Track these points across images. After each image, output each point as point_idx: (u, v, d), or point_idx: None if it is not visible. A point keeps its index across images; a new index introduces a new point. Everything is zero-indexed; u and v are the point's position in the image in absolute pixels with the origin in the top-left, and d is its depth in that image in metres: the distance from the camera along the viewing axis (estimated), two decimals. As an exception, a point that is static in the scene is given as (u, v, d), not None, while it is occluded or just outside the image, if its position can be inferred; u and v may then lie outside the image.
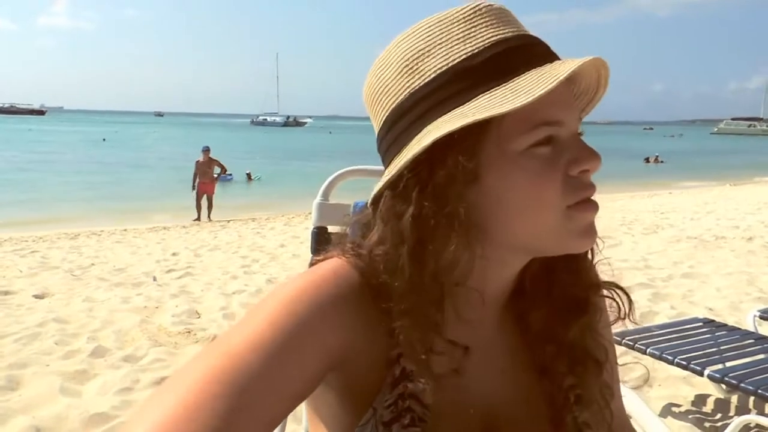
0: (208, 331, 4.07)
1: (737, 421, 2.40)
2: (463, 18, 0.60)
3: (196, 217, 11.52)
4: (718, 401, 3.00)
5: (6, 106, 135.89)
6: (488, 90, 0.56)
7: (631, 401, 1.26)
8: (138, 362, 3.54)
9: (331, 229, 1.30)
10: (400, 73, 0.61)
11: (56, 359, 3.55)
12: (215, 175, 12.09)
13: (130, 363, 3.52)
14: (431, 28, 0.60)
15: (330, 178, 1.37)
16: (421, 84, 0.59)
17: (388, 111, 0.62)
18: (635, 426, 0.83)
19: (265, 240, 8.16)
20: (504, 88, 0.56)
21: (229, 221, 10.90)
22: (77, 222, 10.86)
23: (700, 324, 3.19)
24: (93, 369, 3.42)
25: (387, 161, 0.63)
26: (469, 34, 0.59)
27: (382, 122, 0.63)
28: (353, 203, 1.20)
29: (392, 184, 0.59)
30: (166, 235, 8.93)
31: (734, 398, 3.00)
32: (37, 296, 5.01)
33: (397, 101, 0.61)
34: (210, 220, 11.42)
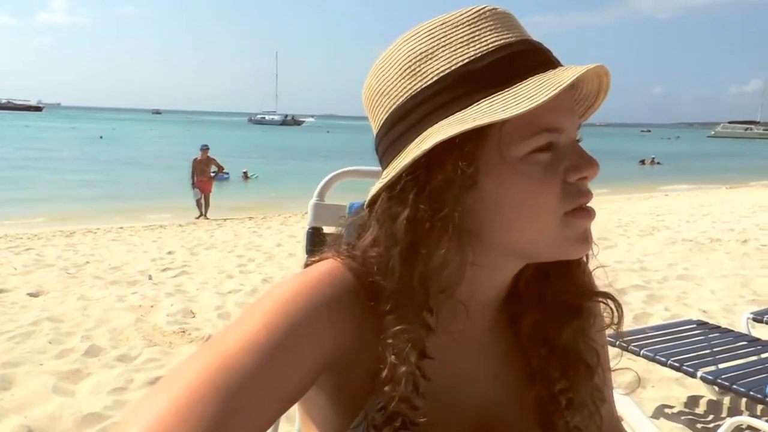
0: (203, 331, 4.07)
1: (729, 423, 2.41)
2: (467, 21, 0.60)
3: (198, 214, 11.52)
4: (710, 402, 3.01)
5: (2, 102, 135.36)
6: (490, 95, 0.56)
7: (623, 404, 1.27)
8: (132, 362, 3.53)
9: (326, 229, 1.31)
10: (401, 74, 0.60)
11: (50, 358, 3.54)
12: (212, 174, 12.11)
13: (125, 362, 3.51)
14: (434, 30, 0.60)
15: (326, 179, 1.37)
16: (422, 87, 0.59)
17: (388, 112, 0.62)
18: (627, 429, 0.84)
19: (261, 239, 8.15)
20: (506, 93, 0.55)
21: (225, 220, 10.89)
22: (73, 220, 10.83)
23: (694, 326, 3.20)
24: (87, 368, 3.42)
25: (385, 163, 0.63)
26: (472, 37, 0.59)
27: (381, 123, 0.63)
28: (349, 204, 1.20)
29: (389, 186, 0.59)
30: (162, 234, 8.92)
31: (726, 399, 3.01)
32: (31, 294, 4.99)
33: (398, 103, 0.60)
34: (207, 218, 11.42)
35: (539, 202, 0.58)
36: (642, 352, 2.77)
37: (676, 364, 2.65)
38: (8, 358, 3.48)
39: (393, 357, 0.58)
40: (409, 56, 0.60)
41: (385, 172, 0.61)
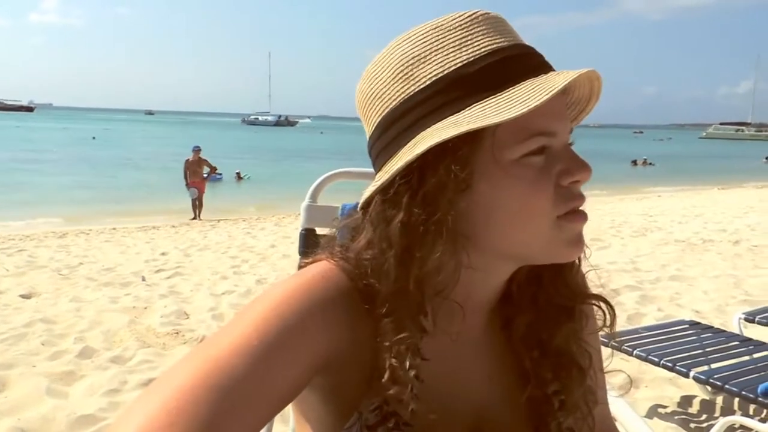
0: (196, 332, 4.05)
1: (722, 422, 2.42)
2: (460, 25, 0.60)
3: (192, 216, 11.50)
4: (703, 402, 3.03)
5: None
6: (483, 99, 0.56)
7: (616, 404, 1.27)
8: (126, 363, 3.52)
9: (319, 231, 1.31)
10: (394, 78, 0.60)
11: (43, 360, 3.53)
12: (204, 175, 12.09)
13: (118, 364, 3.50)
14: (427, 34, 0.60)
15: (318, 180, 1.38)
16: (415, 90, 0.59)
17: (381, 116, 0.62)
18: (621, 429, 0.84)
19: (255, 240, 8.14)
20: (499, 97, 0.56)
21: (219, 221, 10.86)
22: (65, 221, 10.78)
23: (687, 326, 3.22)
24: (80, 370, 3.40)
25: (378, 165, 0.63)
26: (464, 42, 0.59)
27: (374, 127, 0.63)
28: (341, 205, 1.20)
29: (383, 190, 0.59)
30: (155, 235, 8.89)
31: (719, 399, 3.03)
32: (23, 296, 4.97)
33: (391, 106, 0.61)
34: (200, 219, 11.42)
35: (532, 206, 0.58)
36: (635, 352, 2.78)
37: (669, 364, 2.66)
38: (1, 359, 3.46)
39: (390, 359, 0.58)
40: (402, 60, 0.60)
41: (378, 175, 0.62)
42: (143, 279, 5.65)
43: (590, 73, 0.59)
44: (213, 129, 79.88)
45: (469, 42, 0.59)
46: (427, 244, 0.57)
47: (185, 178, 11.74)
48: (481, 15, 0.61)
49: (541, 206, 0.59)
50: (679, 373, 2.64)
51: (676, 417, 2.88)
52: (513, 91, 0.56)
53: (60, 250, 7.30)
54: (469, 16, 0.60)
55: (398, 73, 0.60)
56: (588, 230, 0.63)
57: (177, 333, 4.05)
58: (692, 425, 2.82)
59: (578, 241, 0.61)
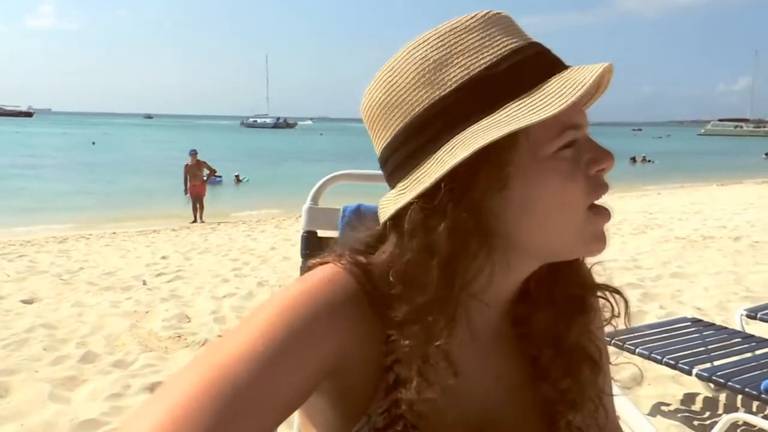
0: (198, 336, 4.05)
1: (725, 419, 2.42)
2: (476, 27, 0.60)
3: (192, 219, 11.53)
4: (706, 400, 3.03)
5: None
6: (516, 98, 0.57)
7: (619, 402, 1.27)
8: (128, 368, 3.52)
9: (320, 233, 1.31)
10: (415, 84, 0.59)
11: (45, 365, 3.53)
12: (204, 178, 12.13)
13: (120, 368, 3.50)
14: (444, 37, 0.60)
15: (319, 183, 1.38)
16: (441, 95, 0.58)
17: (402, 123, 0.60)
18: (623, 427, 0.84)
19: (255, 243, 8.14)
20: (533, 95, 0.56)
21: (219, 224, 10.86)
22: (65, 226, 10.78)
23: (688, 323, 3.22)
24: (82, 375, 3.40)
25: (400, 175, 0.61)
26: (484, 43, 0.59)
27: (393, 135, 0.61)
28: (342, 208, 1.21)
29: (423, 197, 0.57)
30: (155, 238, 8.89)
31: (722, 396, 3.03)
32: (25, 301, 4.97)
33: (414, 113, 0.59)
34: (202, 221, 11.47)
35: (569, 197, 0.59)
36: (637, 350, 2.78)
37: (672, 362, 2.67)
38: (3, 365, 3.46)
39: (398, 361, 0.58)
40: (422, 64, 0.59)
41: (404, 184, 0.60)
42: (144, 283, 5.65)
43: (608, 66, 0.60)
44: (212, 132, 79.87)
45: (488, 43, 0.59)
46: (472, 249, 0.57)
47: (185, 183, 11.80)
48: (494, 15, 0.61)
49: (576, 197, 0.60)
50: (682, 370, 2.64)
51: (679, 415, 2.88)
52: (545, 88, 0.57)
53: (60, 255, 7.30)
54: (482, 17, 0.61)
55: (419, 78, 0.59)
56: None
57: (179, 337, 4.05)
58: (695, 423, 2.81)
59: (603, 237, 0.63)
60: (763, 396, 2.34)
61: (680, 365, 2.63)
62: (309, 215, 1.32)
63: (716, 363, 2.67)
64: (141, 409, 0.49)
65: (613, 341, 2.83)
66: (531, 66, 0.58)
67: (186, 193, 11.81)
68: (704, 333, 3.06)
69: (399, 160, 0.61)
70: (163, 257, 7.08)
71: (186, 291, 5.33)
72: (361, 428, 0.60)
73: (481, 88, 0.57)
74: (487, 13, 0.61)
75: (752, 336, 3.07)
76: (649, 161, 30.83)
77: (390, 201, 0.61)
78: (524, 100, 0.56)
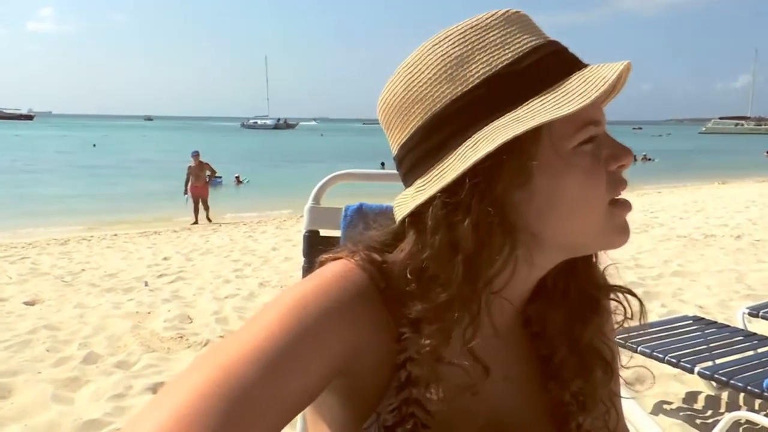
0: (200, 336, 4.06)
1: (728, 418, 2.42)
2: (496, 24, 0.61)
3: (193, 221, 11.56)
4: (708, 398, 3.03)
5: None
6: (539, 94, 0.57)
7: (624, 400, 1.27)
8: (131, 368, 3.52)
9: (323, 232, 1.31)
10: (437, 79, 0.60)
11: (48, 366, 3.53)
12: (206, 179, 12.16)
13: (123, 369, 3.50)
14: (465, 34, 0.60)
15: (321, 182, 1.38)
16: (464, 90, 0.58)
17: (423, 119, 0.60)
18: (628, 426, 0.84)
19: (257, 243, 8.14)
20: (556, 92, 0.57)
21: (220, 225, 10.88)
22: (67, 228, 10.78)
23: (690, 322, 3.22)
24: (85, 375, 3.41)
25: (419, 171, 0.61)
26: (506, 40, 0.60)
27: (412, 131, 0.61)
28: (344, 207, 1.21)
29: (445, 192, 0.57)
30: (157, 240, 8.89)
31: (724, 395, 3.03)
32: (27, 303, 4.98)
33: (435, 108, 0.59)
34: (210, 220, 11.56)
35: (591, 192, 0.60)
36: (639, 349, 2.78)
37: (674, 360, 2.67)
38: (6, 367, 3.47)
39: (410, 359, 0.58)
40: (443, 60, 0.60)
41: (423, 180, 0.60)
42: (146, 284, 5.66)
43: (627, 65, 0.60)
44: (212, 133, 79.85)
45: (509, 40, 0.60)
46: (497, 245, 0.57)
47: (186, 184, 11.83)
48: (512, 13, 0.62)
49: (598, 192, 0.60)
50: (684, 369, 2.64)
51: (681, 413, 2.88)
52: (567, 85, 0.57)
53: (62, 257, 7.31)
54: (502, 15, 0.61)
55: (441, 75, 0.60)
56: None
57: (181, 337, 4.05)
58: (698, 421, 2.82)
59: (626, 228, 0.63)
60: (766, 394, 2.34)
61: (682, 364, 2.63)
62: (311, 214, 1.32)
63: (718, 361, 2.67)
64: (146, 409, 0.49)
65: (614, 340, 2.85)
66: (552, 63, 0.59)
67: (186, 194, 11.83)
68: (706, 331, 3.06)
69: (418, 156, 0.61)
70: (165, 258, 7.09)
71: (188, 292, 5.34)
72: (371, 425, 0.60)
73: (503, 85, 0.58)
74: (507, 11, 0.62)
75: (754, 334, 3.07)
76: (650, 160, 30.80)
77: (408, 198, 0.61)
78: (547, 96, 0.57)
